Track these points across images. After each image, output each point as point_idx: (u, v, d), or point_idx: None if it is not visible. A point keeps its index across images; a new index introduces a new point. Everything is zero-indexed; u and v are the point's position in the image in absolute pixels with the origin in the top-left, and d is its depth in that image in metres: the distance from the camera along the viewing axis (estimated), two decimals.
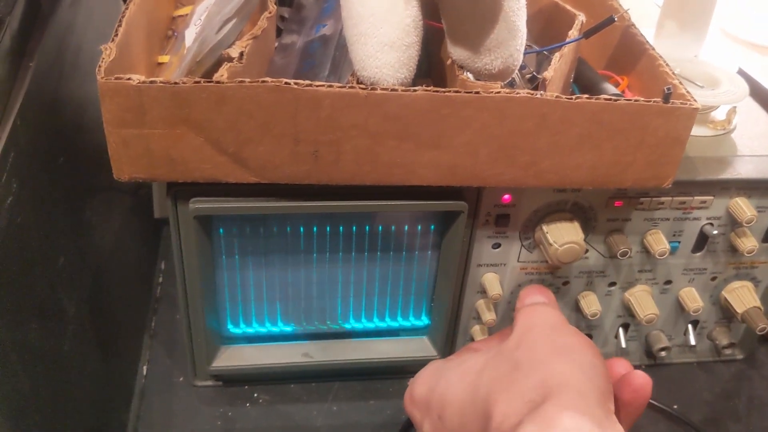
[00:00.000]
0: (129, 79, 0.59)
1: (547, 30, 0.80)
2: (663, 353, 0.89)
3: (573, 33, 0.73)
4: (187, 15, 0.81)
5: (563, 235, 0.74)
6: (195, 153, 0.63)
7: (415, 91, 0.62)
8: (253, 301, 0.80)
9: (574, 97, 0.64)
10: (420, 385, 0.68)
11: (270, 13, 0.73)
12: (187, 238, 0.71)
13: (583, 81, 0.77)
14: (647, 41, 0.77)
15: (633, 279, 0.84)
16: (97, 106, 0.59)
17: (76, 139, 0.77)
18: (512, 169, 0.67)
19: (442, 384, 0.65)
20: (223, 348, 0.82)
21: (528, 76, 0.76)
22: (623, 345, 0.89)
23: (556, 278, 0.82)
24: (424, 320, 0.85)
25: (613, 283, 0.84)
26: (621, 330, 0.89)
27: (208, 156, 0.63)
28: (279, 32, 0.81)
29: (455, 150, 0.65)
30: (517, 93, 0.63)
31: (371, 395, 0.84)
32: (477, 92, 0.62)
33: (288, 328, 0.83)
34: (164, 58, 0.78)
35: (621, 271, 0.83)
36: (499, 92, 0.63)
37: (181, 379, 0.85)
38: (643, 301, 0.83)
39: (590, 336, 0.89)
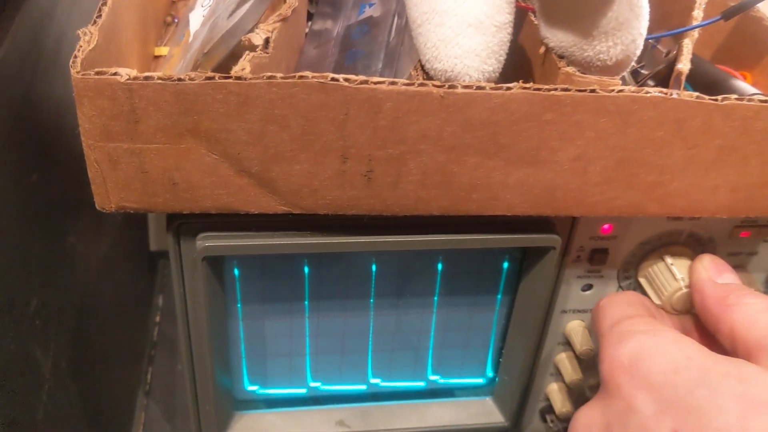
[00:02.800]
0: (116, 74, 0.42)
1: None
2: None
3: (697, 14, 0.56)
4: None
5: (687, 275, 0.57)
6: (206, 175, 0.46)
7: (509, 89, 0.45)
8: (276, 356, 0.63)
9: (719, 98, 0.47)
10: None
11: None
12: (194, 284, 0.54)
13: (698, 78, 0.59)
14: None
15: None
16: None
17: (55, 149, 0.61)
18: (630, 192, 0.50)
19: None
20: (238, 415, 0.65)
21: (630, 69, 0.59)
22: None
23: None
24: (487, 377, 0.68)
25: None
26: None
27: (223, 178, 0.46)
28: (309, 17, 0.63)
29: (557, 167, 0.48)
30: (647, 92, 0.46)
31: None
32: (593, 90, 0.45)
33: (319, 390, 0.66)
34: (162, 50, 0.61)
35: None
36: (622, 90, 0.45)
37: None
38: None
39: None
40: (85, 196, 0.65)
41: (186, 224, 0.51)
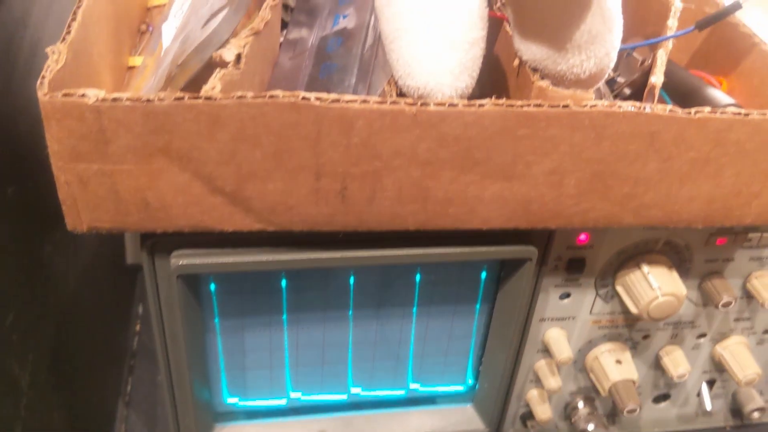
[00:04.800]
0: (83, 95, 0.41)
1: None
2: (756, 414, 0.71)
3: (671, 24, 0.56)
4: (164, 5, 0.63)
5: (663, 283, 0.57)
6: (179, 194, 0.46)
7: (481, 105, 0.44)
8: (255, 368, 0.62)
9: (692, 111, 0.47)
10: None
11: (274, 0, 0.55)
12: (169, 301, 0.53)
13: (673, 86, 0.59)
14: (755, 33, 0.60)
15: (727, 329, 0.67)
16: None
17: (31, 160, 0.59)
18: (605, 203, 0.50)
19: None
20: (219, 427, 0.65)
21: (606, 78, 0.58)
22: (708, 407, 0.72)
23: (635, 332, 0.65)
24: (467, 384, 0.68)
25: (702, 335, 0.67)
26: (705, 387, 0.71)
27: (196, 197, 0.46)
28: (284, 25, 0.63)
29: (533, 181, 0.48)
30: (620, 106, 0.46)
31: None
32: (566, 106, 0.45)
33: (300, 401, 0.66)
34: (136, 60, 0.61)
35: (714, 321, 0.66)
36: (595, 105, 0.45)
37: None
38: (740, 356, 0.67)
39: (667, 396, 0.72)
40: (61, 213, 0.65)
41: (159, 242, 0.51)
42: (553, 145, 0.47)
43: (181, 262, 0.50)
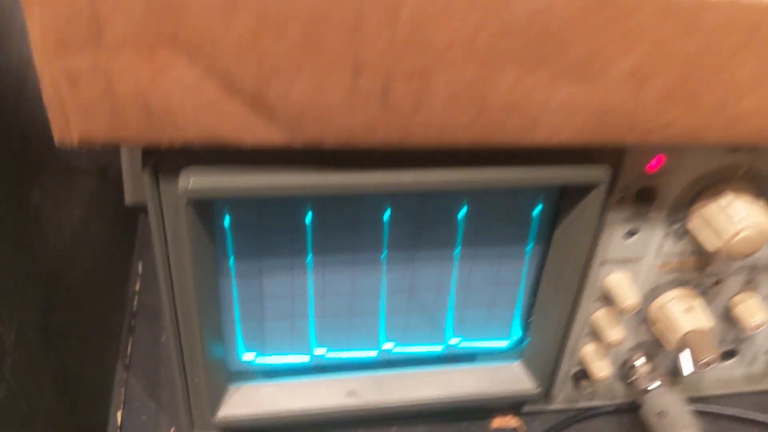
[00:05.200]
0: None
1: None
2: None
3: None
4: None
5: (748, 214, 0.48)
6: (188, 96, 0.38)
7: None
8: (275, 319, 0.54)
9: None
10: None
11: None
12: (177, 235, 0.46)
13: None
14: None
15: None
16: None
17: (17, 97, 0.53)
18: (691, 114, 0.42)
19: None
20: (233, 388, 0.57)
21: None
22: None
23: (706, 277, 0.58)
24: (513, 338, 0.60)
25: None
26: None
27: (209, 100, 0.38)
28: None
29: (610, 83, 0.40)
30: None
31: None
32: None
33: (324, 357, 0.58)
34: None
35: None
36: None
37: (171, 430, 0.59)
38: None
39: (733, 354, 0.64)
40: (52, 157, 0.58)
41: (165, 161, 0.43)
42: (637, 38, 0.39)
43: (192, 184, 0.42)
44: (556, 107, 0.41)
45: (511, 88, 0.40)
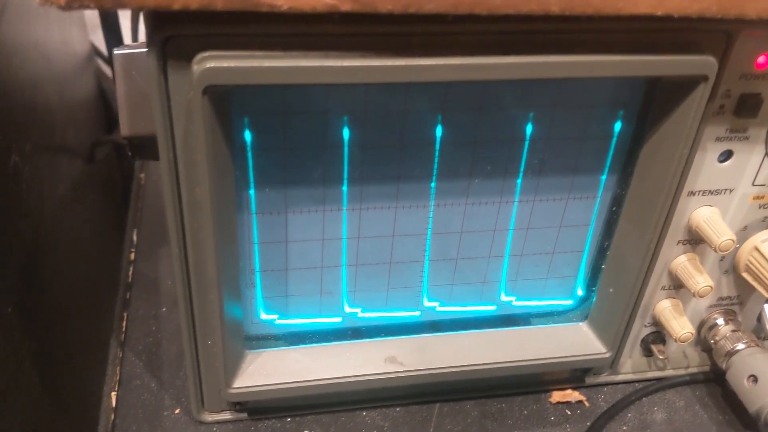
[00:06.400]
0: None
1: None
2: None
3: None
4: None
5: None
6: None
7: None
8: (301, 269, 0.45)
9: None
10: None
11: None
12: (188, 142, 0.36)
13: None
14: None
15: None
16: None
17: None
18: None
19: None
20: (252, 355, 0.48)
21: None
22: None
23: None
24: (575, 296, 0.51)
25: None
26: None
27: None
28: None
29: None
30: None
31: (494, 424, 0.52)
32: None
33: (358, 317, 0.49)
34: None
35: None
36: None
37: (176, 411, 0.50)
38: None
39: None
40: (34, 120, 0.53)
41: (178, 38, 0.34)
42: None
43: (209, 65, 0.33)
44: None
45: None
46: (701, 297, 0.49)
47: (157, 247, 0.65)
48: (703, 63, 0.38)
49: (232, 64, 0.34)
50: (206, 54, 0.34)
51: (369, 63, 0.35)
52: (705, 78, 0.39)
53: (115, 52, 0.44)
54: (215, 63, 0.34)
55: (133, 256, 0.66)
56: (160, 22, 0.34)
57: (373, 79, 0.36)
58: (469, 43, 0.36)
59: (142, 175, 0.75)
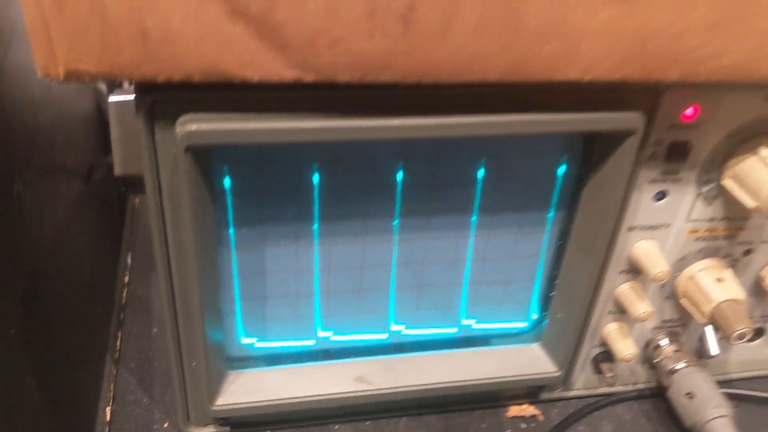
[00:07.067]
0: None
1: None
2: None
3: None
4: None
5: None
6: (188, 18, 0.34)
7: None
8: (277, 297, 0.50)
9: None
10: None
11: None
12: (173, 191, 0.41)
13: None
14: None
15: None
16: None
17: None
18: (742, 42, 0.39)
19: None
20: (233, 375, 0.52)
21: None
22: None
23: (736, 245, 0.54)
24: (530, 319, 0.56)
25: None
26: None
27: (211, 23, 0.34)
28: None
29: (655, 3, 0.36)
30: None
31: None
32: None
33: (330, 341, 0.54)
34: None
35: None
36: None
37: (165, 425, 0.55)
38: None
39: (761, 333, 0.60)
40: (35, 146, 0.54)
41: (163, 103, 0.38)
42: None
43: (191, 128, 0.38)
44: (595, 32, 0.37)
45: (547, 7, 0.36)
46: (641, 322, 0.54)
47: (149, 270, 0.69)
48: (631, 119, 0.43)
49: (211, 126, 0.39)
50: (188, 116, 0.39)
51: (332, 124, 0.40)
52: (633, 131, 0.44)
53: (111, 99, 0.49)
54: (196, 126, 0.38)
55: (127, 278, 0.70)
56: (147, 89, 0.39)
57: (336, 137, 0.40)
58: (420, 104, 0.41)
59: (137, 200, 0.80)
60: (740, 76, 0.40)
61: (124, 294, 0.68)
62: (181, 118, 0.39)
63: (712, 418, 0.53)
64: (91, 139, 0.78)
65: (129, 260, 0.71)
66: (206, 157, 0.42)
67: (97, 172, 0.76)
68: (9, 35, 0.50)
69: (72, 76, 0.35)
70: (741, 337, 0.51)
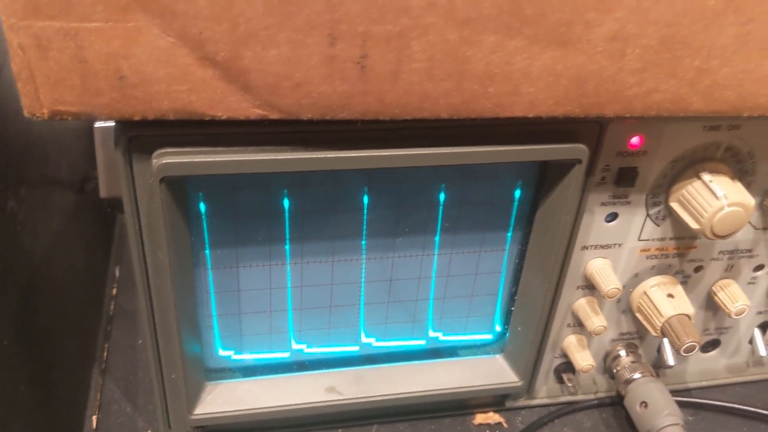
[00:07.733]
0: None
1: None
2: None
3: None
4: None
5: (730, 191, 0.48)
6: (161, 64, 0.37)
7: None
8: (252, 313, 0.53)
9: None
10: None
11: None
12: (151, 218, 0.44)
13: None
14: None
15: None
16: None
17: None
18: (672, 82, 0.42)
19: None
20: (211, 386, 0.56)
21: None
22: (762, 352, 0.63)
23: (687, 263, 0.57)
24: (495, 331, 0.59)
25: (760, 267, 0.58)
26: (758, 332, 0.63)
27: (182, 69, 0.37)
28: None
29: (591, 49, 0.40)
30: None
31: None
32: None
33: (304, 353, 0.57)
34: None
35: None
36: None
37: None
38: None
39: (716, 344, 0.63)
40: (28, 160, 0.56)
41: (139, 138, 0.42)
42: (616, 1, 0.39)
43: (165, 161, 0.41)
44: (536, 75, 0.41)
45: (491, 54, 0.39)
46: (597, 335, 0.57)
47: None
48: (576, 150, 0.47)
49: (184, 159, 0.42)
50: (163, 150, 0.42)
51: (297, 156, 0.43)
52: (579, 161, 0.47)
53: (96, 125, 0.52)
54: (170, 159, 0.42)
55: (114, 291, 0.73)
56: (125, 126, 0.42)
57: (301, 168, 0.44)
58: (379, 137, 0.44)
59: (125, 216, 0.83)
60: (674, 111, 0.44)
61: (112, 306, 0.71)
62: (157, 152, 0.42)
63: (664, 426, 0.56)
64: (84, 150, 0.80)
65: (117, 273, 0.74)
66: (181, 187, 0.45)
67: (90, 183, 0.78)
68: (3, 56, 0.53)
69: (55, 116, 0.38)
70: (690, 349, 0.54)
